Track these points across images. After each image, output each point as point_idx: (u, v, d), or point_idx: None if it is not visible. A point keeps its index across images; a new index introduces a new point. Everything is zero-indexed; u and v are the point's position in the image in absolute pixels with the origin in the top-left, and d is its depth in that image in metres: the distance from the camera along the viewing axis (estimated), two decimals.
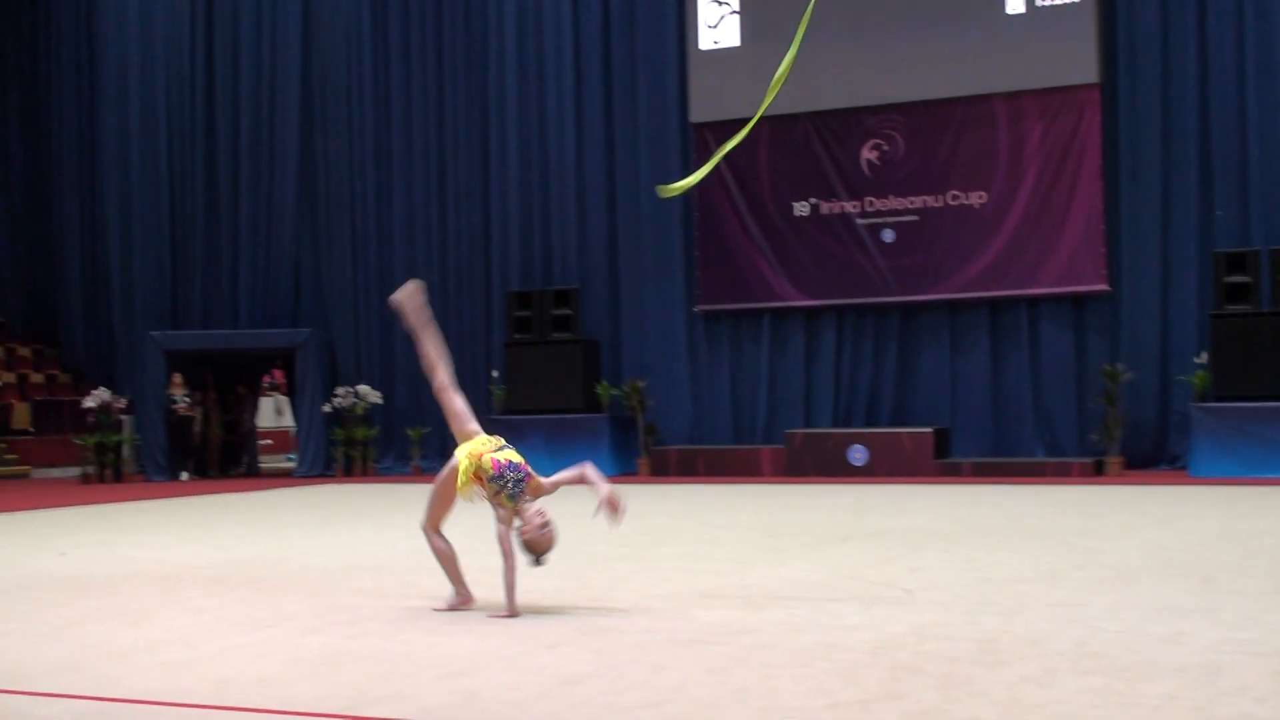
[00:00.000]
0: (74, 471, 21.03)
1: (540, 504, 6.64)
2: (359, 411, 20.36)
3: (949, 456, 17.47)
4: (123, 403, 20.92)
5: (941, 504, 12.88)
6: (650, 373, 19.20)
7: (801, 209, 18.65)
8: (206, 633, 6.39)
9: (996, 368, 17.86)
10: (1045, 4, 17.41)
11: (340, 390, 20.52)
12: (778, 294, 18.71)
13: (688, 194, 19.20)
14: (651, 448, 18.75)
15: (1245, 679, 4.89)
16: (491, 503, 6.68)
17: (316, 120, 21.80)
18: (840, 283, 18.39)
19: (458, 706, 4.76)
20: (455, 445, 6.89)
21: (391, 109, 21.25)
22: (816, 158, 18.59)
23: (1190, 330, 16.86)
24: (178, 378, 20.65)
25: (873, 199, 18.30)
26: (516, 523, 6.60)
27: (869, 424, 18.17)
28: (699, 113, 19.11)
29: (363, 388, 20.53)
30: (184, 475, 20.50)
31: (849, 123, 18.46)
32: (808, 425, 18.42)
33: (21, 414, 23.03)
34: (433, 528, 6.93)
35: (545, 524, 6.55)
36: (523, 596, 6.70)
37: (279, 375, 25.72)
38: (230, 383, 22.13)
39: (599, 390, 18.97)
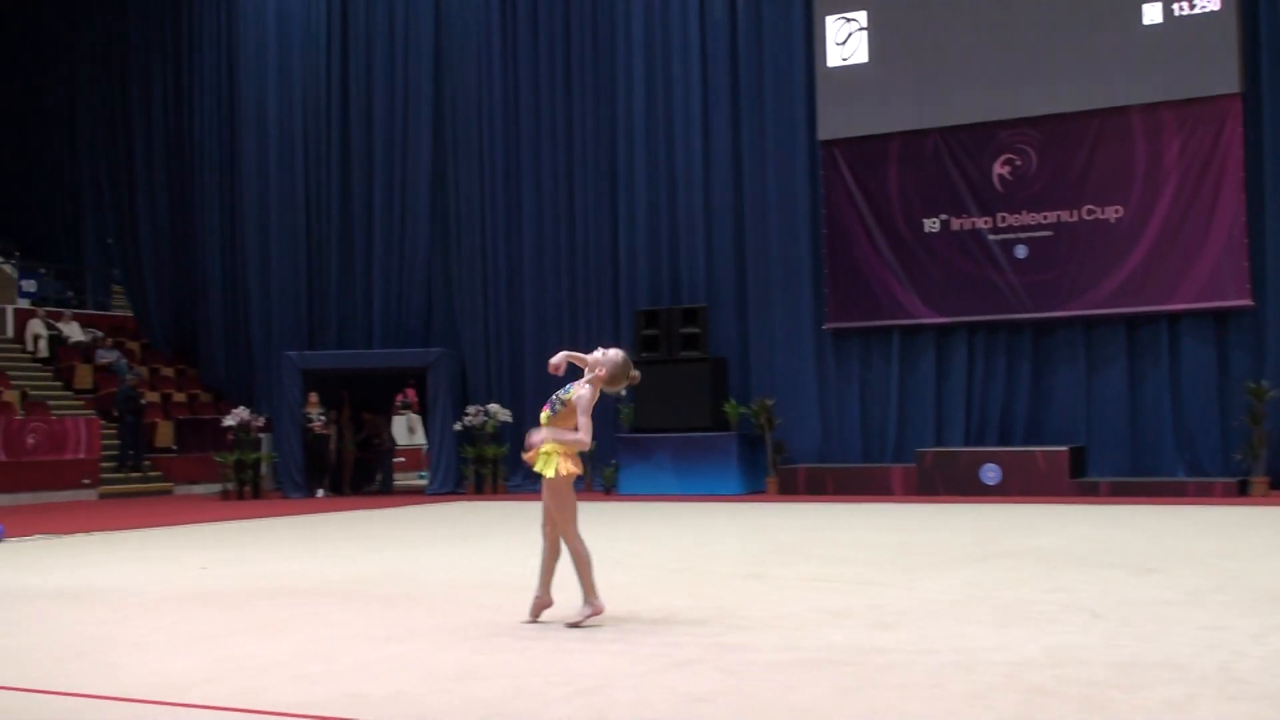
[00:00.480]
0: (214, 488, 21.58)
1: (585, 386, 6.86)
2: (489, 429, 20.58)
3: (1085, 476, 17.10)
4: (261, 421, 21.42)
5: (1077, 524, 12.60)
6: (778, 391, 19.11)
7: (932, 225, 18.45)
8: (342, 647, 6.48)
9: (1134, 385, 17.44)
10: (1183, 14, 17.01)
11: (471, 409, 20.76)
12: (907, 311, 18.51)
13: (816, 210, 19.17)
14: (780, 466, 18.66)
15: None
16: (556, 427, 6.84)
17: (448, 143, 22.16)
18: (972, 299, 18.14)
19: None
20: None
21: (521, 130, 21.49)
22: (947, 173, 18.38)
23: None
24: (314, 397, 21.10)
25: (1005, 214, 18.03)
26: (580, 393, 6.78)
27: (1002, 442, 17.87)
28: (827, 130, 19.03)
29: (493, 406, 20.74)
30: (320, 492, 20.92)
31: (980, 137, 18.22)
32: (939, 444, 18.18)
33: (165, 432, 23.71)
34: (572, 534, 6.93)
35: (602, 354, 6.88)
36: (652, 615, 6.70)
37: (411, 394, 26.14)
38: (364, 400, 22.53)
39: (727, 409, 18.93)
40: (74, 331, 25.09)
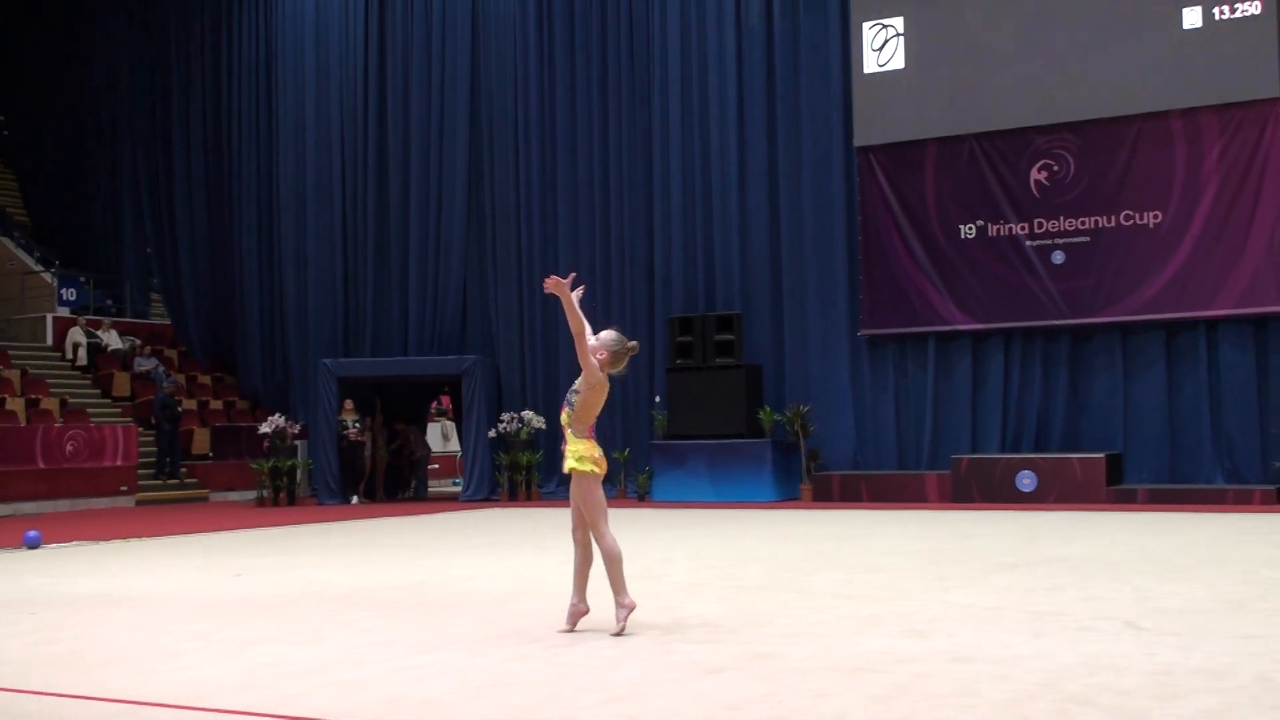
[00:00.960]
0: (250, 495, 21.70)
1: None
2: (524, 436, 20.61)
3: (1122, 483, 16.98)
4: (296, 428, 21.53)
5: (1115, 531, 12.51)
6: (813, 398, 19.07)
7: (968, 231, 18.36)
8: (376, 653, 6.50)
9: (1172, 392, 17.30)
10: (1224, 17, 16.88)
11: (505, 415, 20.80)
12: (943, 317, 18.43)
13: (852, 216, 19.12)
14: (814, 473, 18.61)
15: None
16: (576, 427, 6.88)
17: (484, 151, 22.23)
18: (1008, 305, 18.04)
19: None
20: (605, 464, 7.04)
21: (557, 138, 21.54)
22: (983, 179, 18.29)
23: None
24: (349, 404, 21.20)
25: (1042, 220, 17.93)
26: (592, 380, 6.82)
27: (1038, 449, 17.76)
28: (863, 136, 18.97)
29: (527, 413, 20.77)
30: (355, 499, 21.00)
31: (1017, 143, 18.13)
32: (974, 451, 18.09)
33: (201, 439, 23.86)
34: (601, 530, 6.91)
35: (595, 340, 6.90)
36: (685, 622, 6.69)
37: (446, 401, 26.22)
38: (398, 408, 22.62)
39: (761, 415, 18.89)
40: (113, 340, 25.29)
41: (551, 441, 20.81)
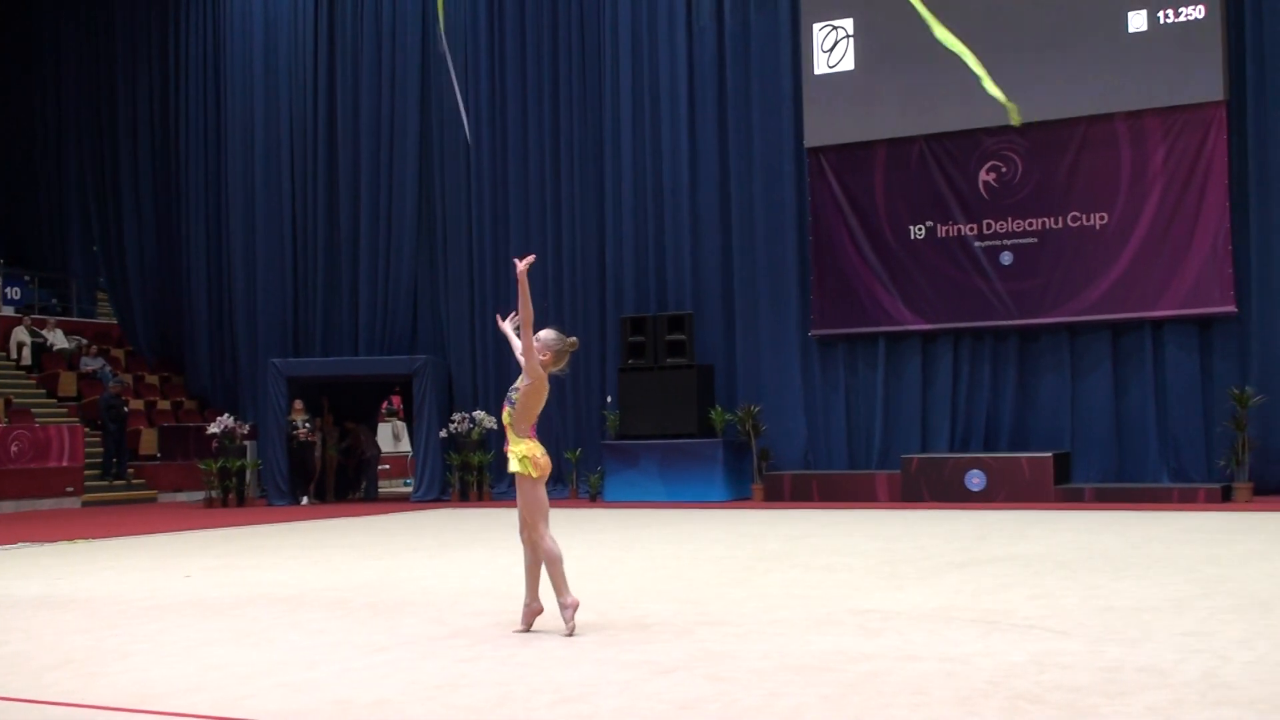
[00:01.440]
0: (198, 496, 21.53)
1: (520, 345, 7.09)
2: (475, 437, 20.56)
3: (1070, 482, 17.14)
4: (245, 429, 21.36)
5: (1062, 530, 12.62)
6: (764, 398, 19.12)
7: (918, 232, 18.48)
8: (326, 655, 6.47)
9: (1119, 392, 17.48)
10: (1168, 21, 17.07)
11: (456, 416, 20.75)
12: (893, 318, 18.54)
13: (802, 217, 19.21)
14: (765, 473, 18.66)
15: None
16: (518, 426, 7.05)
17: (434, 151, 22.14)
18: (957, 306, 18.17)
19: None
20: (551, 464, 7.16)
21: (508, 138, 21.48)
22: (933, 180, 18.41)
23: None
24: (299, 404, 21.07)
25: (990, 221, 18.06)
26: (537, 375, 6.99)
27: (987, 449, 17.89)
28: (813, 137, 19.05)
29: (478, 413, 20.72)
30: (305, 500, 20.88)
31: (966, 145, 18.26)
32: (924, 450, 18.20)
33: (149, 439, 23.63)
34: (541, 532, 6.92)
35: (535, 341, 6.95)
36: (638, 622, 6.69)
37: (397, 401, 26.10)
38: (349, 408, 22.49)
39: (713, 415, 18.93)
40: (58, 339, 25.01)
41: (504, 442, 20.70)
